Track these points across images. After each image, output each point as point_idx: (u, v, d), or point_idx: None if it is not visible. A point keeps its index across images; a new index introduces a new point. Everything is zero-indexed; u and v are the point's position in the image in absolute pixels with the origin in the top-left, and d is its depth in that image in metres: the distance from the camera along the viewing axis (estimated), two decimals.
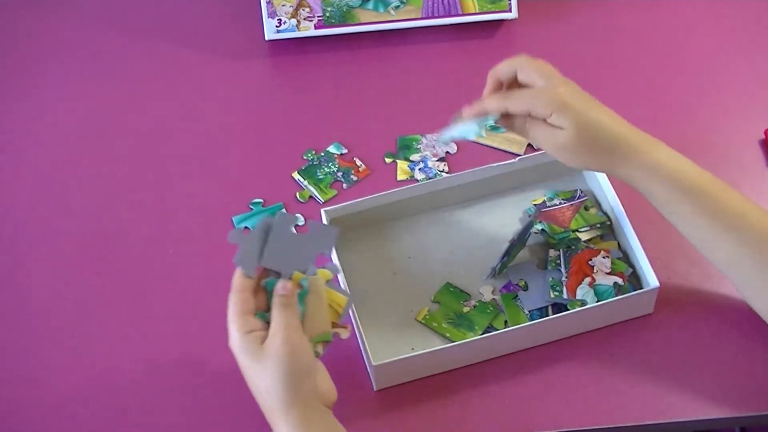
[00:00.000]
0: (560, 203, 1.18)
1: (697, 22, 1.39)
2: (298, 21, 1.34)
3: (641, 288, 1.11)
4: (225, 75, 1.36)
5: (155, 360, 1.11)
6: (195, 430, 1.07)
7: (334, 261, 1.08)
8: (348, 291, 1.06)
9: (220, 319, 1.13)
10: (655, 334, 1.11)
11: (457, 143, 1.27)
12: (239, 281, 0.96)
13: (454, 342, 1.08)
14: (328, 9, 1.34)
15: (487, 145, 1.28)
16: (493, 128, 1.29)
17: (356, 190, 1.24)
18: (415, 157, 1.26)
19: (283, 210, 1.19)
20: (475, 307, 1.12)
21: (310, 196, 1.23)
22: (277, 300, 0.95)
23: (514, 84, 1.06)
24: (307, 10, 1.34)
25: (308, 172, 1.25)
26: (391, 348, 1.08)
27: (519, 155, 1.26)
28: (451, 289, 1.13)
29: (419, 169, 1.25)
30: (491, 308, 1.12)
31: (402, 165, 1.25)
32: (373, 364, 1.04)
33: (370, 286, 1.13)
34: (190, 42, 1.39)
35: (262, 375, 0.93)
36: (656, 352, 1.10)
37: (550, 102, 1.01)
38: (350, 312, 1.05)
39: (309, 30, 1.35)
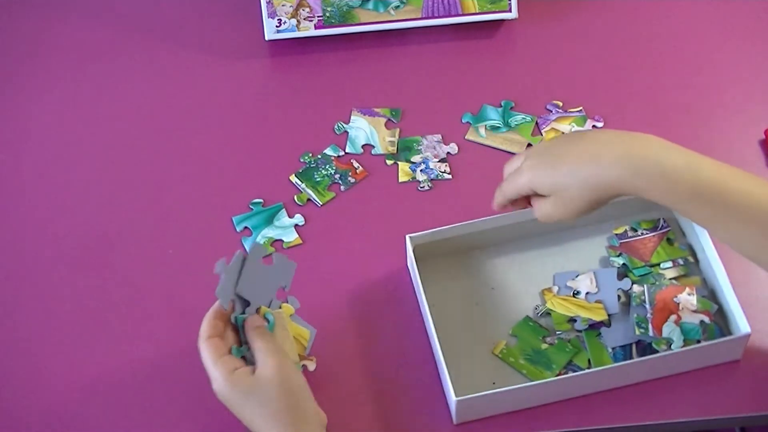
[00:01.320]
0: (642, 233, 1.17)
1: (697, 22, 1.39)
2: (298, 21, 1.34)
3: (727, 327, 1.10)
4: (225, 75, 1.36)
5: (155, 360, 1.11)
6: (195, 428, 1.07)
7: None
8: (309, 324, 1.07)
9: None
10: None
11: (458, 144, 1.27)
12: (209, 326, 0.98)
13: (530, 379, 1.07)
14: (328, 9, 1.34)
15: (488, 146, 1.28)
16: (494, 128, 1.29)
17: (354, 193, 1.24)
18: (416, 158, 1.26)
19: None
20: (553, 344, 1.10)
21: (308, 199, 1.23)
22: (256, 330, 0.97)
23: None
24: (307, 10, 1.34)
25: (305, 175, 1.25)
26: (470, 381, 1.07)
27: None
28: (530, 324, 1.11)
29: (421, 171, 1.25)
30: (570, 347, 1.09)
31: (403, 166, 1.25)
32: (455, 398, 1.02)
33: (451, 316, 1.12)
34: (190, 42, 1.39)
35: (262, 404, 0.94)
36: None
37: (525, 180, 1.00)
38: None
39: (309, 30, 1.35)
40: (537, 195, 1.01)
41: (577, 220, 1.01)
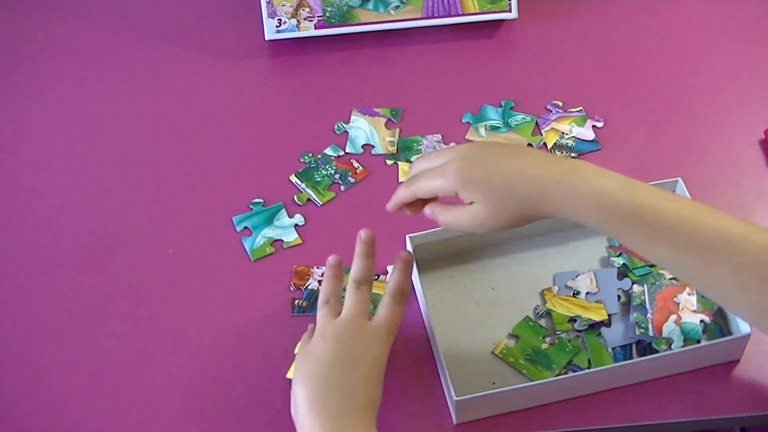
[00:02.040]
0: None
1: (697, 22, 1.39)
2: (298, 21, 1.34)
3: (727, 326, 1.09)
4: (225, 75, 1.36)
5: (155, 359, 1.11)
6: (195, 429, 1.07)
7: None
8: None
9: (220, 318, 1.13)
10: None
11: (458, 144, 1.27)
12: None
13: (530, 378, 1.07)
14: (328, 9, 1.34)
15: None
16: (494, 128, 1.29)
17: (354, 193, 1.24)
18: (416, 158, 1.26)
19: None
20: (553, 344, 1.10)
21: (308, 199, 1.23)
22: (393, 296, 1.03)
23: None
24: (307, 10, 1.34)
25: (305, 175, 1.25)
26: (470, 380, 1.07)
27: None
28: (531, 324, 1.11)
29: None
30: (570, 347, 1.09)
31: (403, 166, 1.25)
32: (456, 398, 1.03)
33: (451, 316, 1.12)
34: (190, 42, 1.39)
35: (372, 342, 0.99)
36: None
37: (451, 180, 0.96)
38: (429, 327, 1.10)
39: (309, 30, 1.35)
40: (445, 203, 1.00)
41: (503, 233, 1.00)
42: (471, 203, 0.97)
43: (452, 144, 1.10)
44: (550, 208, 0.95)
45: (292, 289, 1.15)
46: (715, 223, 0.93)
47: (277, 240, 1.20)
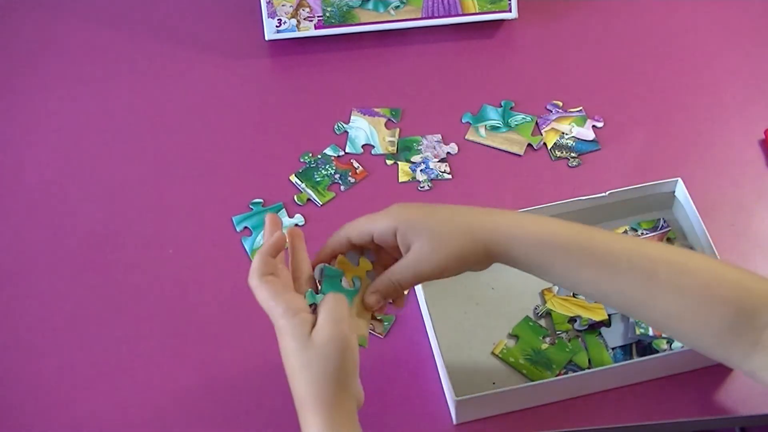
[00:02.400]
0: (642, 234, 1.17)
1: (697, 22, 1.39)
2: (298, 21, 1.34)
3: None
4: (225, 75, 1.36)
5: (155, 359, 1.11)
6: (196, 429, 1.07)
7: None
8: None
9: (220, 318, 1.13)
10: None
11: (458, 144, 1.27)
12: (263, 262, 0.91)
13: (530, 378, 1.07)
14: (328, 9, 1.34)
15: (488, 146, 1.28)
16: (494, 128, 1.29)
17: (354, 193, 1.24)
18: (416, 158, 1.26)
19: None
20: (553, 344, 1.10)
21: (308, 199, 1.23)
22: (334, 294, 0.93)
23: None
24: (307, 10, 1.34)
25: (305, 175, 1.25)
26: (471, 381, 1.07)
27: (519, 155, 1.26)
28: (531, 324, 1.11)
29: (421, 171, 1.25)
30: (570, 347, 1.09)
31: (403, 166, 1.25)
32: (456, 398, 1.02)
33: (451, 316, 1.12)
34: (190, 42, 1.39)
35: (308, 365, 0.89)
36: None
37: (388, 220, 0.95)
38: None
39: (309, 30, 1.35)
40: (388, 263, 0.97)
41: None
42: (410, 248, 0.95)
43: None
44: (489, 234, 0.94)
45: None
46: (658, 251, 0.95)
47: None
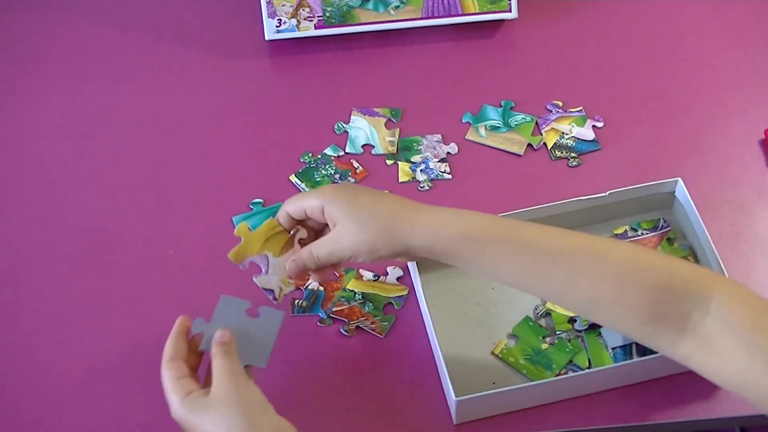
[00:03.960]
0: (642, 234, 1.17)
1: (697, 22, 1.39)
2: (298, 21, 1.34)
3: None
4: (225, 75, 1.36)
5: (155, 359, 1.10)
6: None
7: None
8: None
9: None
10: None
11: (458, 144, 1.27)
12: (172, 346, 0.98)
13: (530, 378, 1.07)
14: (328, 9, 1.34)
15: (488, 146, 1.28)
16: (494, 128, 1.29)
17: None
18: (416, 158, 1.26)
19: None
20: (553, 344, 1.10)
21: None
22: (216, 349, 0.97)
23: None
24: (307, 10, 1.34)
25: (305, 175, 1.25)
26: (470, 381, 1.07)
27: (519, 155, 1.26)
28: (531, 324, 1.11)
29: (421, 171, 1.25)
30: (570, 347, 1.09)
31: (403, 166, 1.25)
32: (455, 398, 1.02)
33: (451, 316, 1.12)
34: (190, 42, 1.39)
35: (216, 425, 0.92)
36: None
37: (319, 195, 1.00)
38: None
39: (309, 30, 1.35)
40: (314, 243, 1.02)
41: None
42: (336, 226, 1.00)
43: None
44: (408, 228, 0.98)
45: (292, 289, 1.15)
46: (578, 239, 0.97)
47: None
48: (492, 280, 1.10)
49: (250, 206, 1.22)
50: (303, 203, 1.01)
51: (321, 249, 1.01)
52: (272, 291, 1.05)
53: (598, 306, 0.96)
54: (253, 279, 1.05)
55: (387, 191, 1.06)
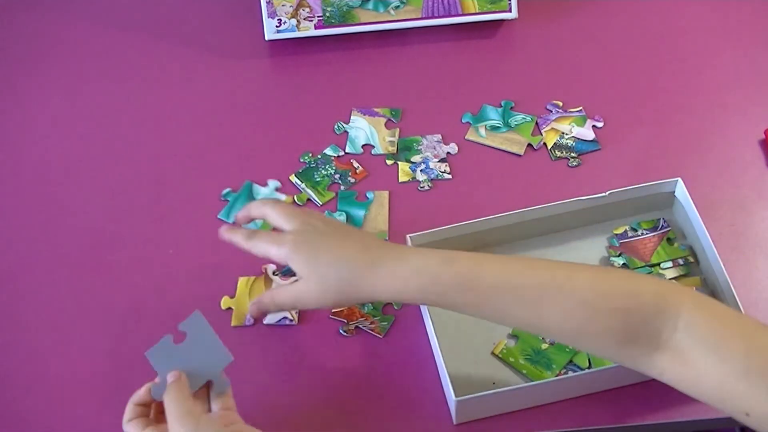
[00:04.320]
0: (642, 233, 1.17)
1: (696, 22, 1.39)
2: (298, 21, 1.34)
3: None
4: (225, 75, 1.36)
5: None
6: None
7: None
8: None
9: (221, 318, 1.13)
10: None
11: (458, 144, 1.27)
12: (130, 411, 0.97)
13: (530, 378, 1.07)
14: (328, 9, 1.34)
15: (488, 146, 1.28)
16: (494, 128, 1.29)
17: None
18: (416, 158, 1.26)
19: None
20: (553, 344, 1.10)
21: (308, 199, 1.23)
22: (165, 395, 0.96)
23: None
24: (307, 10, 1.34)
25: (305, 175, 1.25)
26: (470, 381, 1.07)
27: (519, 155, 1.26)
28: None
29: (421, 171, 1.25)
30: (570, 347, 1.09)
31: (403, 166, 1.25)
32: (455, 398, 1.02)
33: (451, 316, 1.10)
34: (190, 42, 1.39)
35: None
36: None
37: (283, 248, 1.01)
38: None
39: (309, 30, 1.35)
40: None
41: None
42: (300, 279, 1.01)
43: (300, 208, 1.11)
44: (370, 288, 0.99)
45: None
46: (540, 272, 0.96)
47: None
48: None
49: (222, 198, 1.23)
50: (269, 249, 1.02)
51: (285, 299, 1.03)
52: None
53: (571, 335, 0.96)
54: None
55: (354, 231, 1.06)
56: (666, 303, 0.92)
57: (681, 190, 1.16)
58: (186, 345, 0.99)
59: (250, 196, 1.23)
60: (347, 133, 1.29)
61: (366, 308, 1.13)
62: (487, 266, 0.97)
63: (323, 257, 1.00)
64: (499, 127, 1.29)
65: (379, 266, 0.98)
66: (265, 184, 1.24)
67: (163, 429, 0.95)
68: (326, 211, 1.20)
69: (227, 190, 1.23)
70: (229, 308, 1.13)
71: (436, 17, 1.36)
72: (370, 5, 1.35)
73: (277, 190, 1.23)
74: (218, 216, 1.21)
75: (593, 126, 1.29)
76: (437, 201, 1.23)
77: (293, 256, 1.00)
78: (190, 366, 0.98)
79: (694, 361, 0.90)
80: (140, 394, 0.98)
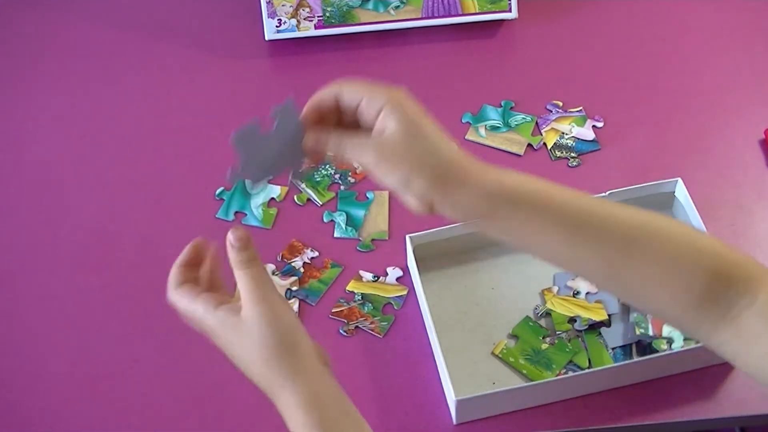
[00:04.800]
0: None
1: (696, 22, 1.39)
2: (298, 21, 1.34)
3: None
4: (225, 75, 1.36)
5: (155, 359, 1.11)
6: (195, 428, 1.07)
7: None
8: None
9: None
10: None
11: (458, 144, 1.27)
12: (179, 273, 0.90)
13: (530, 378, 1.07)
14: (328, 9, 1.34)
15: (488, 146, 1.28)
16: (494, 128, 1.29)
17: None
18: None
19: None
20: (553, 344, 1.10)
21: (308, 199, 1.23)
22: (234, 259, 0.86)
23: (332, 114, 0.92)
24: (307, 10, 1.34)
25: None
26: (470, 381, 1.07)
27: (519, 155, 1.26)
28: (530, 324, 1.11)
29: None
30: (570, 347, 1.09)
31: None
32: (455, 398, 1.03)
33: (451, 316, 1.12)
34: (190, 42, 1.39)
35: (251, 348, 0.85)
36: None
37: (386, 96, 0.87)
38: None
39: (309, 30, 1.35)
40: (357, 132, 0.89)
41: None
42: (383, 133, 0.87)
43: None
44: (459, 191, 0.87)
45: (278, 259, 1.16)
46: (636, 214, 0.89)
47: (271, 199, 1.23)
48: (522, 249, 0.94)
49: (216, 198, 1.23)
50: (367, 87, 0.88)
51: (359, 153, 0.87)
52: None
53: (643, 287, 0.88)
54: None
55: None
56: (750, 278, 0.87)
57: (681, 190, 1.16)
58: (272, 131, 0.92)
59: (245, 192, 1.23)
60: None
61: (366, 308, 1.13)
62: (583, 199, 0.88)
63: (427, 130, 0.88)
64: (499, 127, 1.29)
65: (470, 166, 0.89)
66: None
67: (221, 298, 0.87)
68: (326, 212, 1.20)
69: (221, 189, 1.23)
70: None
71: (436, 17, 1.36)
72: (370, 5, 1.35)
73: (269, 182, 1.23)
74: (216, 215, 1.21)
75: (593, 126, 1.28)
76: None
77: (403, 104, 0.87)
78: (272, 153, 0.91)
79: (760, 341, 0.86)
80: (186, 252, 0.89)
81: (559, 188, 0.89)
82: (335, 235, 1.20)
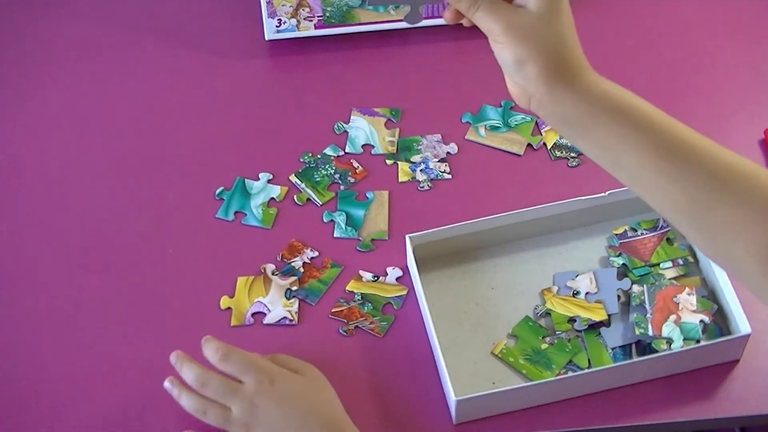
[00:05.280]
0: (642, 233, 1.17)
1: (696, 22, 1.39)
2: (298, 21, 1.34)
3: (727, 326, 1.10)
4: (225, 75, 1.36)
5: (155, 359, 1.11)
6: (195, 428, 1.07)
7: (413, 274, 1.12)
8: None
9: (222, 319, 1.13)
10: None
11: (458, 144, 1.27)
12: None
13: (530, 378, 1.07)
14: (328, 9, 1.34)
15: (488, 146, 1.28)
16: (494, 128, 1.29)
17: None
18: (416, 158, 1.26)
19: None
20: (553, 344, 1.10)
21: (308, 199, 1.23)
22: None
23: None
24: (307, 10, 1.34)
25: (305, 175, 1.25)
26: (470, 381, 1.07)
27: (519, 155, 1.26)
28: (530, 324, 1.11)
29: (420, 171, 1.25)
30: (570, 347, 1.09)
31: (403, 166, 1.25)
32: (455, 398, 1.03)
33: (451, 316, 1.12)
34: (190, 42, 1.39)
35: (318, 390, 1.02)
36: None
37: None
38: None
39: (309, 30, 1.35)
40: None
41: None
42: (524, 6, 0.86)
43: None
44: (571, 90, 0.88)
45: (278, 258, 1.16)
46: (729, 154, 0.87)
47: (270, 199, 1.22)
48: (611, 171, 0.93)
49: (216, 197, 1.23)
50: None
51: (491, 15, 0.88)
52: None
53: (721, 230, 0.85)
54: None
55: None
56: None
57: None
58: None
59: (244, 192, 1.23)
60: (347, 133, 1.29)
61: (366, 308, 1.13)
62: (681, 126, 0.88)
63: (566, 18, 0.87)
64: (498, 127, 1.29)
65: (590, 72, 0.89)
66: (257, 178, 1.24)
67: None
68: (326, 212, 1.20)
69: (220, 188, 1.23)
70: (228, 308, 1.13)
71: (437, 17, 1.35)
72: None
73: (269, 182, 1.23)
74: (216, 215, 1.21)
75: None
76: (437, 201, 1.23)
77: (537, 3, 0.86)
78: None
79: None
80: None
81: (663, 113, 0.88)
82: (335, 235, 1.20)
